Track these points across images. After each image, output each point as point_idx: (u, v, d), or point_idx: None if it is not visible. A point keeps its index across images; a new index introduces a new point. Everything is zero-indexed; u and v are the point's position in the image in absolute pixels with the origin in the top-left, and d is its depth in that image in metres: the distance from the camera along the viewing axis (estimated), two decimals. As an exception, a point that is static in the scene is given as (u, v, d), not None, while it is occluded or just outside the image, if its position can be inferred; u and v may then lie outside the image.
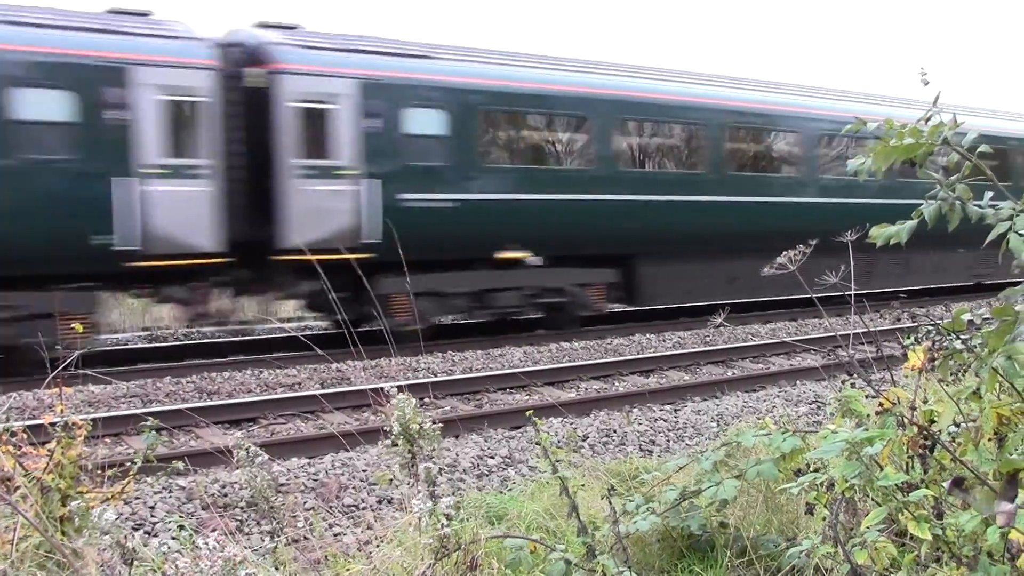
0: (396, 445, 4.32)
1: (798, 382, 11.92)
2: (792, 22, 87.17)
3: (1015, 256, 2.15)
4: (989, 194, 2.29)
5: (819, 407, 10.32)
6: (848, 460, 2.66)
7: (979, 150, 2.32)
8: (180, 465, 5.18)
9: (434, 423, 4.45)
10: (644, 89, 17.74)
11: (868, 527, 2.52)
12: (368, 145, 14.44)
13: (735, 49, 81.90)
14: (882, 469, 2.75)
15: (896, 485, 2.64)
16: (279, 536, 4.58)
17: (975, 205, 2.33)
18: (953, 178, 2.35)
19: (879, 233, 2.51)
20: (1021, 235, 2.09)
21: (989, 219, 2.22)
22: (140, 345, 15.98)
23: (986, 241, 2.25)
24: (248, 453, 4.27)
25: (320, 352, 7.12)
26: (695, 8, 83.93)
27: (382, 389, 4.43)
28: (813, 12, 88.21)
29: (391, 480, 7.07)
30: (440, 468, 7.56)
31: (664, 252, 17.57)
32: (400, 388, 4.45)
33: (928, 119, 2.34)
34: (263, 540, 5.91)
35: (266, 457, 4.43)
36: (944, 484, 2.85)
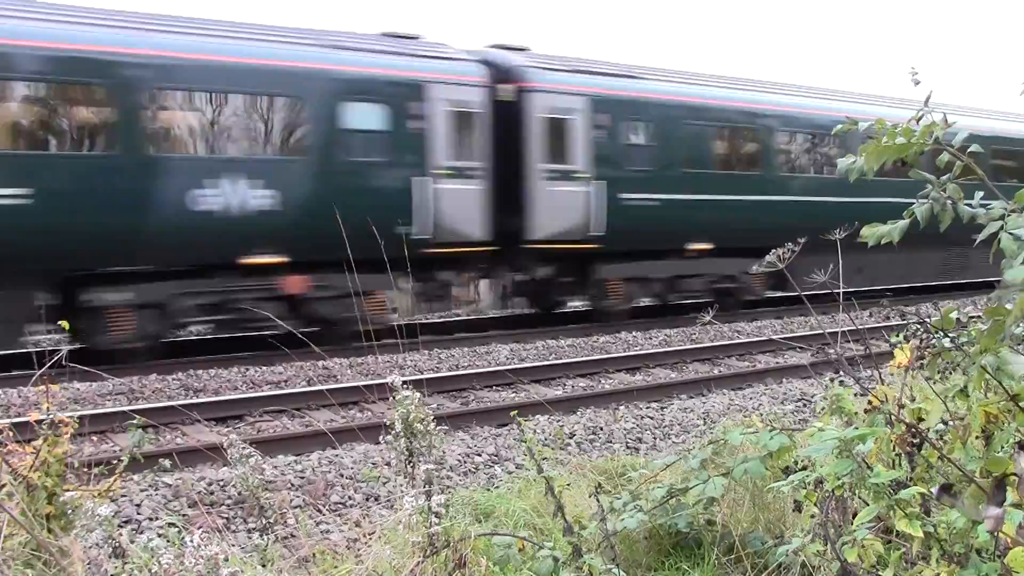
0: (398, 440, 4.32)
1: (784, 380, 11.94)
2: (788, 21, 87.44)
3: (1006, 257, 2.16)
4: (980, 194, 2.30)
5: (805, 405, 10.35)
6: (839, 458, 2.66)
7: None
8: (167, 463, 5.17)
9: (437, 424, 4.46)
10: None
11: (859, 525, 2.53)
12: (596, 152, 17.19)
13: (733, 47, 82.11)
14: (870, 467, 2.75)
15: (886, 483, 2.64)
16: (268, 534, 4.57)
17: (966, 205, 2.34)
18: (944, 178, 2.36)
19: (871, 232, 2.51)
20: (1013, 235, 2.10)
21: (980, 219, 2.23)
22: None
23: (977, 241, 2.25)
24: (241, 453, 4.26)
25: (316, 348, 7.14)
26: (684, 6, 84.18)
27: (389, 383, 4.43)
28: (809, 10, 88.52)
29: (379, 477, 7.09)
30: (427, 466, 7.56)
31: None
32: (410, 385, 4.46)
33: (919, 119, 2.34)
34: (250, 538, 5.91)
35: (260, 457, 4.42)
36: (932, 482, 2.87)
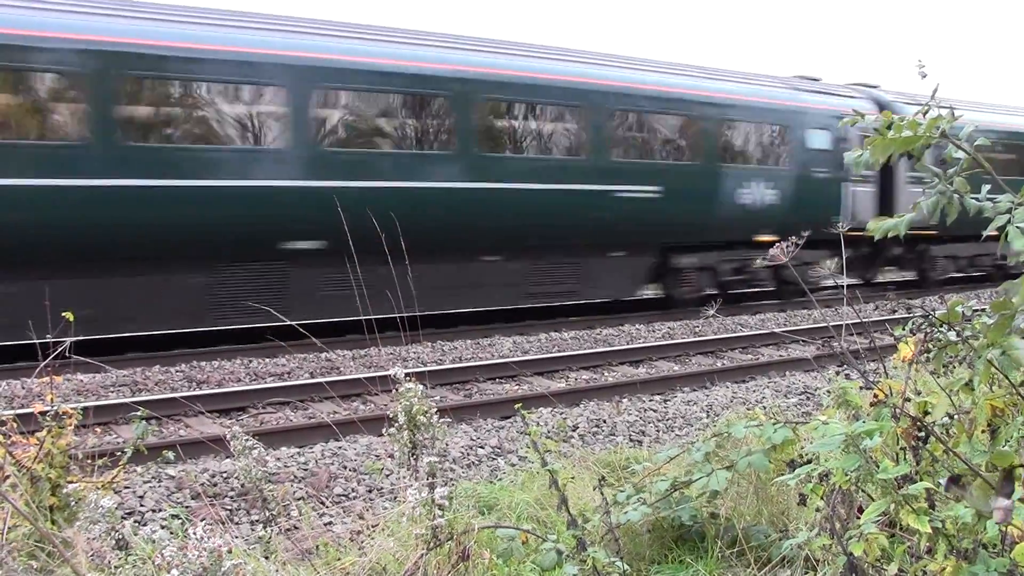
0: (401, 433, 4.32)
1: (787, 373, 11.93)
2: (790, 17, 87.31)
3: (1013, 249, 2.15)
4: (986, 187, 2.29)
5: (809, 398, 10.34)
6: (847, 452, 2.66)
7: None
8: (170, 455, 5.18)
9: (440, 416, 4.45)
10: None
11: (866, 520, 2.53)
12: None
13: (733, 43, 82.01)
14: (876, 462, 2.75)
15: (893, 478, 2.64)
16: (271, 526, 4.57)
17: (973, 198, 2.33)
18: (951, 171, 2.35)
19: (876, 226, 2.50)
20: (1020, 229, 2.09)
21: (987, 212, 2.22)
22: (129, 333, 15.91)
23: (984, 235, 2.24)
24: (244, 445, 4.26)
25: (317, 341, 7.16)
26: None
27: (391, 376, 4.43)
28: (811, 7, 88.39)
29: (382, 469, 7.10)
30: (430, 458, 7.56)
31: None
32: (411, 377, 4.46)
33: (925, 112, 2.33)
34: (253, 529, 5.91)
35: (263, 449, 4.42)
36: (939, 478, 2.86)
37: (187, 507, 6.35)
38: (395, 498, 6.28)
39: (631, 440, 8.75)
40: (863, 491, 2.93)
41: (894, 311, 3.28)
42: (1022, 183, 2.41)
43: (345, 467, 7.51)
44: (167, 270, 13.13)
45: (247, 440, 4.33)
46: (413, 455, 4.26)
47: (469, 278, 15.75)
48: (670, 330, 16.10)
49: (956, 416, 3.02)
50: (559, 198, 16.28)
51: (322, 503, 6.58)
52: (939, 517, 2.44)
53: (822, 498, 3.01)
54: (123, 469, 4.55)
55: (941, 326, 2.98)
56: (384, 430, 4.50)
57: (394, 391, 4.36)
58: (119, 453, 4.61)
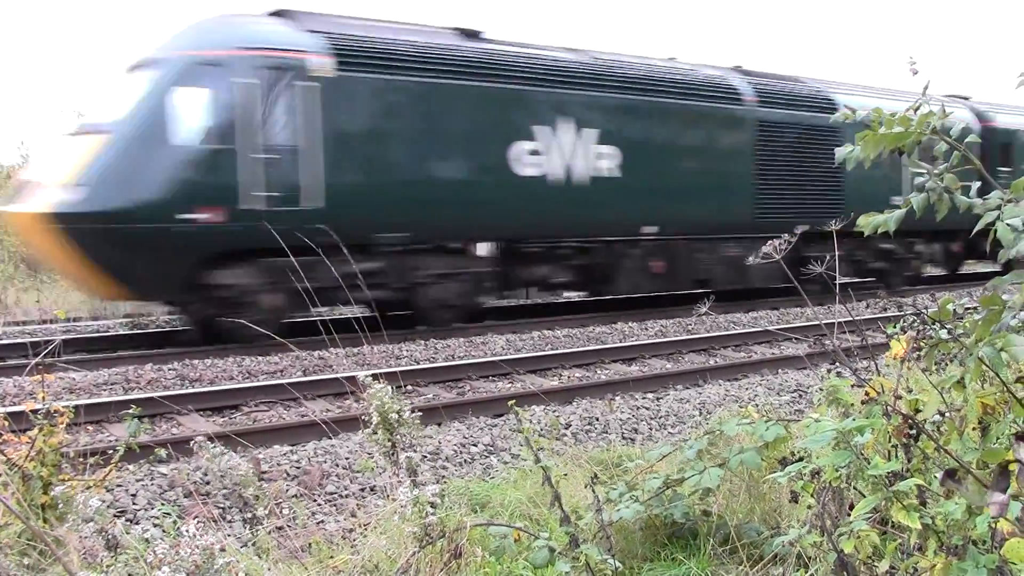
0: (376, 434, 4.32)
1: (780, 371, 11.95)
2: (788, 15, 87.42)
3: (1004, 246, 2.15)
4: (977, 184, 2.30)
5: (801, 396, 10.36)
6: (836, 449, 2.66)
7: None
8: (162, 453, 5.17)
9: (413, 411, 4.44)
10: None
11: (856, 516, 2.53)
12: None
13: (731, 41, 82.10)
14: (867, 459, 2.75)
15: (884, 474, 2.65)
16: (261, 524, 4.57)
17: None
18: (941, 167, 2.36)
19: (867, 222, 2.50)
20: (1010, 225, 2.10)
21: (977, 209, 2.23)
22: (121, 332, 15.90)
23: (973, 231, 2.25)
24: (212, 454, 4.27)
25: (290, 344, 7.14)
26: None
27: (357, 378, 4.43)
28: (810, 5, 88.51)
29: (374, 467, 7.09)
30: (422, 456, 7.55)
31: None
32: (378, 376, 4.44)
33: (917, 108, 2.34)
34: (246, 527, 5.90)
35: (234, 455, 4.42)
36: (928, 473, 2.87)
37: (179, 505, 6.34)
38: (388, 496, 6.28)
39: (624, 438, 8.75)
40: (854, 488, 2.93)
41: (884, 309, 3.29)
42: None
43: (337, 465, 7.50)
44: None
45: (213, 448, 4.33)
46: (393, 453, 4.26)
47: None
48: (663, 328, 16.11)
49: (947, 413, 3.03)
50: None
51: (315, 501, 6.57)
52: (929, 514, 2.45)
53: (813, 495, 3.01)
54: (115, 467, 4.54)
55: (933, 324, 2.99)
56: (361, 430, 4.50)
57: (364, 394, 4.36)
58: (111, 451, 4.60)
